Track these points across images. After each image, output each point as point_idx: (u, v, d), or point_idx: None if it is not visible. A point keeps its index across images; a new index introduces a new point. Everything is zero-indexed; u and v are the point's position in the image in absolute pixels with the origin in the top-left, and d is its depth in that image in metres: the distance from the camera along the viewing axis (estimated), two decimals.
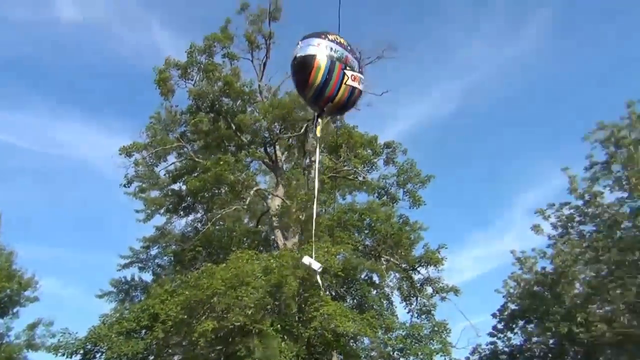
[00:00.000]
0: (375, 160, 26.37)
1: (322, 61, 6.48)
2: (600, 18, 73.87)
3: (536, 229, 27.70)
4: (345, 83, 6.68)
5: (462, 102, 75.76)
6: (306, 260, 7.60)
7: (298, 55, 6.57)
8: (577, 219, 27.01)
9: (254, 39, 25.40)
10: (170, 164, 26.56)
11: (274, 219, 24.36)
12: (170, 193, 27.02)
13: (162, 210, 27.11)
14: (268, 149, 26.06)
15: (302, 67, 6.55)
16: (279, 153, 25.98)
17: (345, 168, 25.77)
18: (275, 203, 24.37)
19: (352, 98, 6.95)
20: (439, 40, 78.57)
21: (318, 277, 8.29)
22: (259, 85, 26.12)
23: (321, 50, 6.50)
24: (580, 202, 26.67)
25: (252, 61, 26.22)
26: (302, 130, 24.93)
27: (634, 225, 24.99)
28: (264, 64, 26.18)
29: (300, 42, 6.65)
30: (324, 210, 28.13)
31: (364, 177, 25.76)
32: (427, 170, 25.94)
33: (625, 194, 25.13)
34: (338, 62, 6.59)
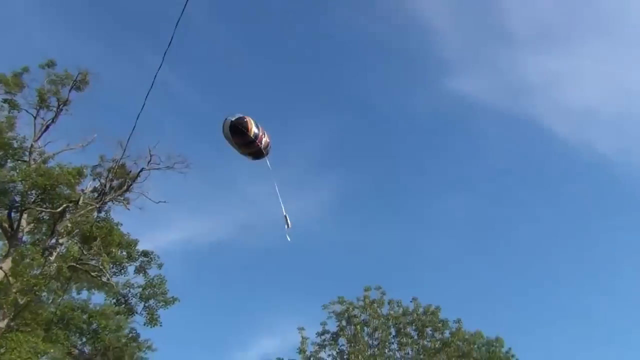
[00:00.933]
0: (127, 264, 24.94)
1: (250, 118, 9.32)
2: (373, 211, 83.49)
3: None
4: (265, 133, 9.50)
5: (234, 235, 76.73)
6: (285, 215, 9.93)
7: (233, 119, 9.20)
8: None
9: (46, 97, 23.54)
10: None
11: None
12: None
13: None
14: (13, 214, 23.09)
15: (240, 123, 9.18)
16: (24, 222, 23.12)
17: (92, 263, 23.81)
18: None
19: (269, 147, 9.73)
20: (231, 171, 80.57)
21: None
22: (32, 145, 23.75)
23: (245, 114, 9.33)
24: None
25: (35, 118, 24.01)
26: (60, 209, 22.76)
27: None
28: (47, 127, 24.12)
29: (227, 117, 9.27)
30: (50, 300, 25.31)
31: (108, 279, 23.92)
32: (177, 292, 25.22)
33: None
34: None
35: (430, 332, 27.46)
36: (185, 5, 9.02)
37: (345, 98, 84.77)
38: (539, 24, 74.99)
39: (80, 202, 23.17)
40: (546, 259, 69.10)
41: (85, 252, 23.48)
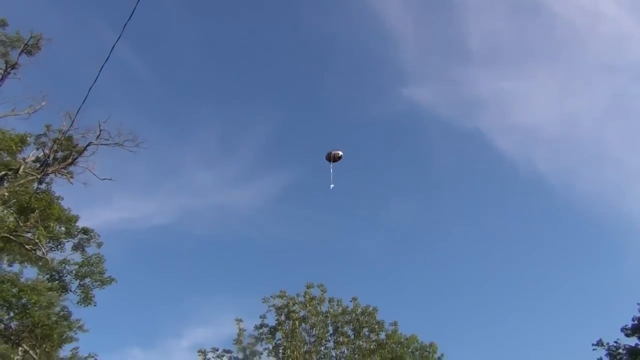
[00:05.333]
0: (65, 241, 24.13)
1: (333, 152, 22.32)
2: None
3: None
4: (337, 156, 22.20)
5: (177, 221, 75.05)
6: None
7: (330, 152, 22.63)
8: None
9: None
10: None
11: None
12: None
13: None
14: None
15: (329, 153, 22.06)
16: None
17: (28, 235, 22.88)
18: None
19: (337, 158, 21.95)
20: (180, 155, 78.85)
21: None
22: None
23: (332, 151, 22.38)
24: (240, 355, 27.73)
25: None
26: None
27: None
28: None
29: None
30: None
31: (43, 253, 23.05)
32: (114, 273, 24.57)
33: None
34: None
35: (366, 333, 27.77)
36: None
37: (299, 92, 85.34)
38: (496, 44, 77.93)
39: (21, 171, 22.25)
40: (484, 268, 71.60)
41: (21, 224, 22.54)
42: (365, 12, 78.62)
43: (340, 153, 20.27)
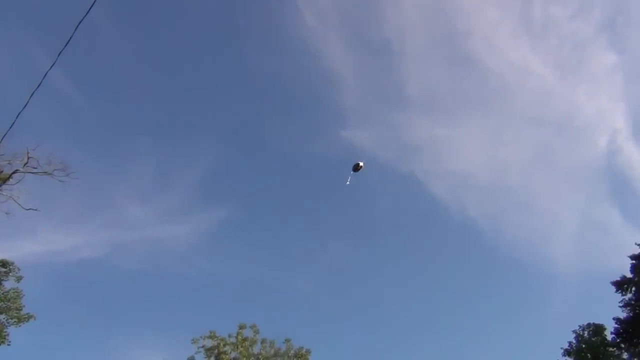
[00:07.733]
0: None
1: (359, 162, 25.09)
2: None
3: None
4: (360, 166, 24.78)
5: (105, 255, 71.61)
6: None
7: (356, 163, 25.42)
8: None
9: None
10: None
11: None
12: None
13: None
14: None
15: (356, 163, 25.00)
16: None
17: None
18: None
19: (359, 169, 24.85)
20: (112, 188, 76.26)
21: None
22: None
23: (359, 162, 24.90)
24: None
25: None
26: None
27: None
28: None
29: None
30: None
31: None
32: (34, 309, 23.07)
33: None
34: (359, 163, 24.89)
35: None
36: (91, 7, 8.83)
37: (238, 129, 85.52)
38: (431, 92, 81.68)
39: None
40: (418, 309, 72.64)
41: None
42: (308, 54, 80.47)
43: (361, 164, 24.10)
